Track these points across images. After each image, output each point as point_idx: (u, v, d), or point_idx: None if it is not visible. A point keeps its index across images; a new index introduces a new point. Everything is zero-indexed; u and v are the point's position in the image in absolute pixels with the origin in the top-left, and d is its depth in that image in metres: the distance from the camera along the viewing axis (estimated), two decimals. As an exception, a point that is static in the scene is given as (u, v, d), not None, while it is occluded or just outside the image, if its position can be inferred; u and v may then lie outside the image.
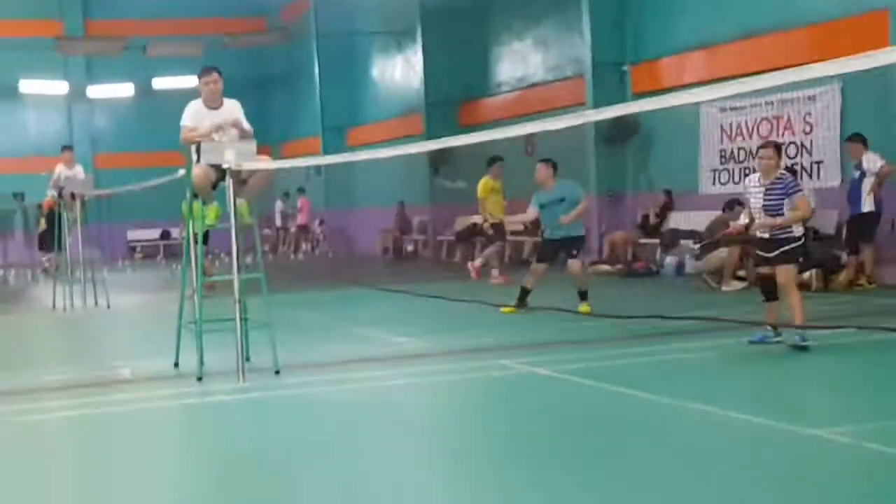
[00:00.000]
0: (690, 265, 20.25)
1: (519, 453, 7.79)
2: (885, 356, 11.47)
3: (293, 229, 40.37)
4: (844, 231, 18.28)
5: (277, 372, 11.26)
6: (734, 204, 19.18)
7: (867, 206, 17.47)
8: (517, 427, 8.82)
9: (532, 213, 16.64)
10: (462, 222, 30.48)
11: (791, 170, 19.16)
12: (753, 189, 12.01)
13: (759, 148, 12.55)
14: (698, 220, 21.00)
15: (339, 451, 8.11)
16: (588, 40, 25.02)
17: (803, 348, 11.44)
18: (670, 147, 23.58)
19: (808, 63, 7.02)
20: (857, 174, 17.63)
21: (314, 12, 40.29)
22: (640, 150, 24.60)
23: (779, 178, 11.87)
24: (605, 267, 22.70)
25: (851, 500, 6.37)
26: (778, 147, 12.32)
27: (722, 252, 18.64)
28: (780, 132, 20.53)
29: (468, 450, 8.17)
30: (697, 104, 21.38)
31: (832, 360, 11.30)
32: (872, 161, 17.33)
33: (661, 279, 21.33)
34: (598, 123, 23.29)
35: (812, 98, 19.74)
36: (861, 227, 17.65)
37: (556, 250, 16.34)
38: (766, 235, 11.85)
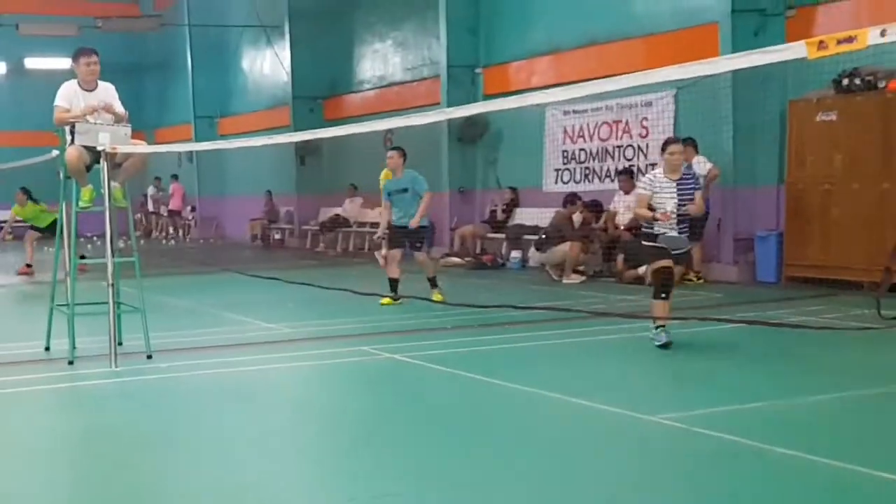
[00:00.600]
0: (534, 258, 20.61)
1: (376, 439, 7.83)
2: (714, 347, 11.71)
3: (165, 214, 40.22)
4: None
5: (150, 356, 11.08)
6: (574, 199, 19.85)
7: None
8: (376, 413, 8.89)
9: (386, 205, 16.48)
10: (326, 212, 30.98)
11: (629, 170, 20.10)
12: (663, 185, 11.39)
13: (666, 143, 11.73)
14: (543, 216, 21.33)
15: (204, 434, 8.11)
16: (444, 44, 25.48)
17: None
18: (517, 147, 24.08)
19: (645, 70, 7.44)
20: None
21: (186, 2, 40.21)
22: (489, 149, 25.06)
23: (688, 174, 11.67)
24: (456, 259, 22.97)
25: (683, 480, 6.66)
26: (685, 141, 11.98)
27: (564, 246, 19.05)
28: (619, 135, 21.22)
29: (327, 434, 8.25)
30: (543, 107, 22.09)
31: (670, 350, 11.31)
32: (702, 164, 17.72)
33: (507, 272, 21.60)
34: (451, 123, 23.83)
35: (648, 104, 20.40)
36: (690, 226, 18.23)
37: (404, 237, 16.22)
38: (675, 233, 11.47)
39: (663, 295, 11.48)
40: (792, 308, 14.00)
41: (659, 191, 11.35)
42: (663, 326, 11.41)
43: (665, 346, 11.24)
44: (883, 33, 4.69)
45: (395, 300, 16.04)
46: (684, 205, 11.39)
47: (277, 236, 34.12)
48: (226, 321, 14.65)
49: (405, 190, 16.22)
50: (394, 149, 16.67)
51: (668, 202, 11.31)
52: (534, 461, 7.11)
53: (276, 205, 34.47)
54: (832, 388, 9.33)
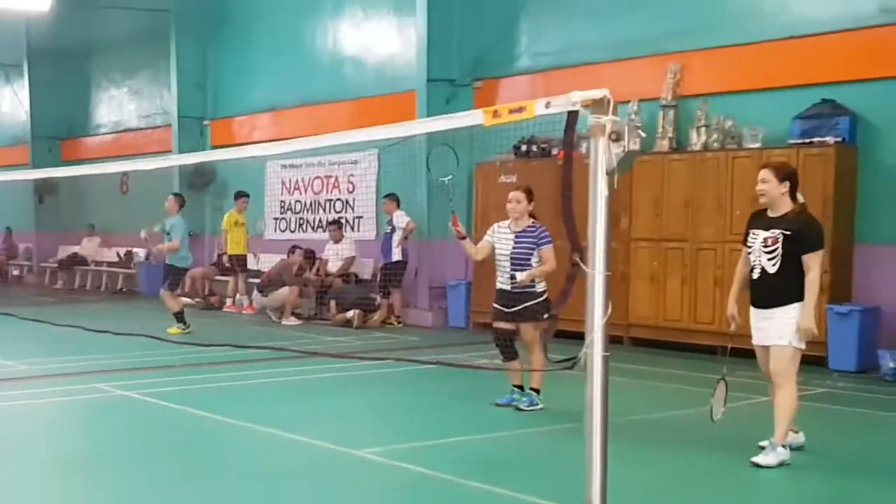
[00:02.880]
0: (257, 300, 20.72)
1: (107, 475, 7.85)
2: (414, 384, 12.23)
3: None
4: (378, 276, 19.22)
5: None
6: (295, 248, 20.17)
7: (396, 255, 18.55)
8: (107, 449, 8.81)
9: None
10: (65, 251, 30.22)
11: (338, 222, 20.55)
12: (501, 234, 10.37)
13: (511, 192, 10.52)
14: (265, 261, 21.52)
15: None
16: (175, 95, 25.53)
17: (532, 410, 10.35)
18: None
19: (352, 129, 7.57)
20: (388, 228, 18.69)
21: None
22: (216, 197, 25.14)
23: (531, 227, 10.27)
24: (187, 300, 22.24)
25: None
26: (529, 191, 10.40)
27: (284, 290, 19.35)
28: (330, 189, 21.76)
29: (57, 471, 8.09)
30: (264, 159, 22.57)
31: (375, 388, 11.82)
32: (400, 218, 18.45)
33: (232, 313, 21.48)
34: (182, 170, 23.86)
35: (355, 162, 21.03)
36: (391, 274, 18.66)
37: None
38: (508, 287, 10.24)
39: (503, 357, 10.56)
40: (478, 351, 14.40)
41: (495, 240, 10.42)
42: (519, 388, 10.59)
43: (504, 405, 10.54)
44: (548, 105, 4.90)
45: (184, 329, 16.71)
46: (517, 261, 10.22)
47: (16, 272, 32.92)
48: (-41, 358, 14.02)
49: (167, 232, 17.03)
50: (173, 195, 17.78)
51: (500, 253, 10.34)
52: (239, 492, 7.38)
53: (14, 241, 33.24)
54: (523, 424, 9.81)
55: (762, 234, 8.07)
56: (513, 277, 10.18)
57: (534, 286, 10.16)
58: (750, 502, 7.55)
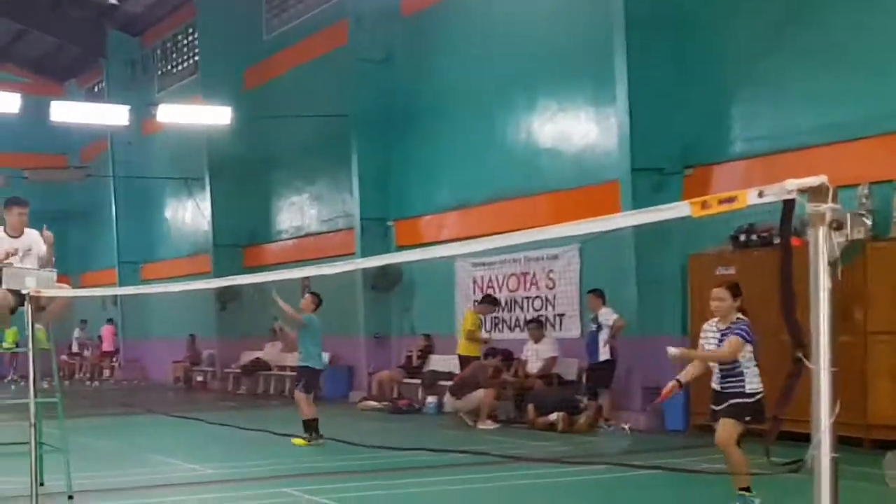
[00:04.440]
0: (449, 404, 20.26)
1: None
2: (627, 492, 11.75)
3: (89, 356, 39.18)
4: (584, 377, 18.55)
5: (71, 497, 10.79)
6: (488, 356, 19.68)
7: (604, 355, 17.78)
8: None
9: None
10: (247, 356, 30.42)
11: (538, 320, 19.91)
12: (709, 332, 10.03)
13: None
14: (455, 362, 20.96)
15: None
16: (357, 198, 25.51)
17: None
18: (429, 295, 23.98)
19: (549, 225, 7.39)
20: (594, 326, 17.97)
21: (111, 153, 39.55)
22: (403, 297, 24.86)
23: (734, 323, 9.80)
24: (373, 403, 22.60)
25: None
26: (733, 286, 10.05)
27: (479, 392, 18.72)
28: (527, 286, 21.08)
29: None
30: (453, 258, 21.92)
31: (591, 495, 11.39)
32: (607, 315, 17.70)
33: (424, 416, 21.19)
34: (365, 272, 23.73)
35: (555, 257, 20.30)
36: (599, 375, 17.89)
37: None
38: (717, 388, 9.91)
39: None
40: (699, 455, 13.60)
41: (704, 339, 10.12)
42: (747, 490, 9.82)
43: None
44: (760, 194, 4.64)
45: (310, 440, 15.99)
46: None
47: (199, 378, 33.31)
48: (149, 462, 14.31)
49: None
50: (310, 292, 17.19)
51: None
52: None
53: (198, 348, 33.75)
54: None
55: None
56: (732, 379, 9.83)
57: (742, 385, 9.74)
58: None
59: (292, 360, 27.00)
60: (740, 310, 9.87)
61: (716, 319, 9.96)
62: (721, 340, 9.82)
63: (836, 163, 15.07)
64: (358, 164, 25.48)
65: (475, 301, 21.92)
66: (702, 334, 10.19)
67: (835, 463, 4.41)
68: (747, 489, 9.70)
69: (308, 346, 16.52)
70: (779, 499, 9.74)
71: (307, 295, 17.16)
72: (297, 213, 30.04)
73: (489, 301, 20.78)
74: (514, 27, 21.87)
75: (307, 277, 25.57)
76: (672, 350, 10.01)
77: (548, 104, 21.25)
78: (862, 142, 15.43)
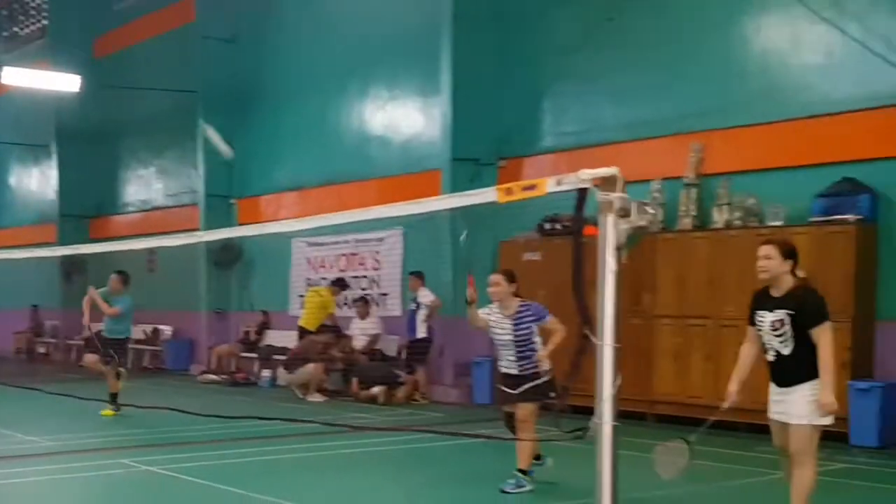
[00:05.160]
0: (282, 377, 20.97)
1: None
2: (441, 458, 12.48)
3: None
4: (404, 353, 19.51)
5: None
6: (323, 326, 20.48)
7: (421, 333, 18.80)
8: None
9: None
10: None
11: (364, 299, 20.83)
12: (497, 318, 10.24)
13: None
14: (290, 338, 21.66)
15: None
16: (202, 174, 25.86)
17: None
18: (267, 273, 24.56)
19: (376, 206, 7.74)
20: (414, 306, 18.94)
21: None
22: (242, 275, 25.39)
23: (524, 307, 10.16)
24: (213, 376, 23.11)
25: None
26: (507, 272, 10.36)
27: (309, 367, 19.50)
28: (356, 266, 21.95)
29: None
30: (289, 237, 22.67)
31: (407, 463, 12.01)
32: (425, 295, 18.71)
33: (259, 389, 21.66)
34: (209, 248, 24.12)
35: (380, 240, 21.20)
36: (416, 351, 18.89)
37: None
38: (514, 371, 10.15)
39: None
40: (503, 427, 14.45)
41: (491, 329, 10.40)
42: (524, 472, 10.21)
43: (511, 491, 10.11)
44: (559, 182, 5.09)
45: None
46: (520, 343, 10.19)
47: (42, 350, 33.02)
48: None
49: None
50: (116, 272, 17.65)
51: (501, 340, 10.34)
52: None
53: (41, 319, 33.53)
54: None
55: (768, 316, 7.94)
56: (527, 362, 10.07)
57: (536, 366, 10.00)
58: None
59: (136, 332, 27.40)
60: (516, 295, 10.19)
61: (496, 304, 10.22)
62: (518, 326, 10.07)
63: (636, 158, 16.22)
64: (204, 140, 25.64)
65: (322, 279, 22.61)
66: (489, 313, 10.32)
67: (615, 431, 4.79)
68: (525, 471, 10.16)
69: (127, 323, 17.41)
70: (564, 470, 10.33)
71: (112, 275, 17.33)
72: (144, 186, 30.14)
73: (339, 284, 21.46)
74: (352, 14, 22.64)
75: (152, 251, 26.10)
76: (543, 364, 10.04)
77: (379, 93, 22.14)
78: (659, 140, 16.74)
